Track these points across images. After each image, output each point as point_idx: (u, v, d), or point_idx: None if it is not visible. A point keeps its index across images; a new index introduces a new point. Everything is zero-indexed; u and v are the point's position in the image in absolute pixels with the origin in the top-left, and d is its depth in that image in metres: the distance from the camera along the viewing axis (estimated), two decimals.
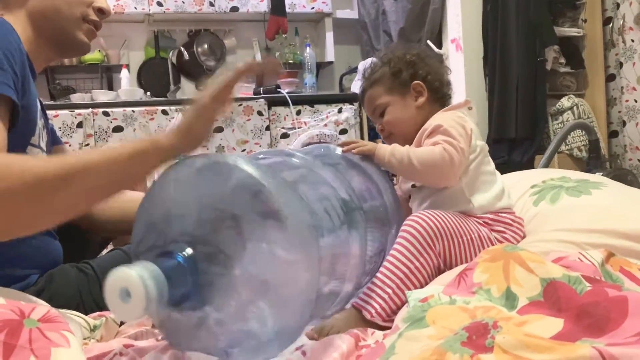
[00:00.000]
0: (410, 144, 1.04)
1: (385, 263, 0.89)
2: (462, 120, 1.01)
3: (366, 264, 0.85)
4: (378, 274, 0.89)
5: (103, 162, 0.70)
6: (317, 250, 0.63)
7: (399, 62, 1.10)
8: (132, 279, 0.53)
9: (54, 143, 1.11)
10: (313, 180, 0.84)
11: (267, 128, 3.11)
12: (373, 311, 0.85)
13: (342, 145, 1.04)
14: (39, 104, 0.98)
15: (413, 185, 1.07)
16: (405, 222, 0.92)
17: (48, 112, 1.17)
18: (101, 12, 1.01)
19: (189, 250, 0.60)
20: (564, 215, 0.99)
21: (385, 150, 1.00)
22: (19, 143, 0.87)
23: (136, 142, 0.75)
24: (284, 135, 3.14)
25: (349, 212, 0.80)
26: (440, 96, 1.10)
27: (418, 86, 1.08)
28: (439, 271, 0.91)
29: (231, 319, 0.61)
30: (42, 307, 0.66)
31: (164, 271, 0.56)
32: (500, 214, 1.00)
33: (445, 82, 1.12)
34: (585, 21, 3.09)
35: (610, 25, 3.04)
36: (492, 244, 0.95)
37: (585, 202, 1.01)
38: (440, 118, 1.02)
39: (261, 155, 0.88)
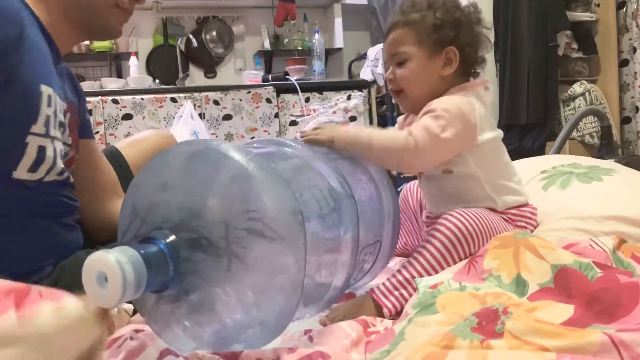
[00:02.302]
0: (417, 110, 0.95)
1: (414, 261, 0.85)
2: (468, 110, 0.90)
3: (360, 253, 0.84)
4: (404, 271, 0.85)
5: None
6: (303, 236, 0.62)
7: (446, 15, 0.94)
8: (109, 263, 0.52)
9: (82, 136, 1.04)
10: (302, 168, 0.82)
11: (276, 115, 3.10)
12: (393, 309, 0.83)
13: (302, 136, 0.93)
14: (60, 89, 0.91)
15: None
16: (441, 221, 0.86)
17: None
18: (136, 0, 0.96)
19: (171, 237, 0.59)
20: (574, 201, 0.98)
21: (345, 139, 0.89)
22: (12, 129, 0.80)
23: None
24: (293, 123, 3.14)
25: (339, 200, 0.78)
26: (469, 71, 0.98)
27: (451, 53, 0.94)
28: None
29: (215, 308, 0.61)
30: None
31: (144, 257, 0.54)
32: (521, 209, 0.97)
33: (481, 58, 0.98)
34: (598, 5, 3.05)
35: (624, 9, 2.99)
36: None
37: (596, 188, 1.00)
38: (447, 100, 0.92)
39: (255, 145, 0.86)
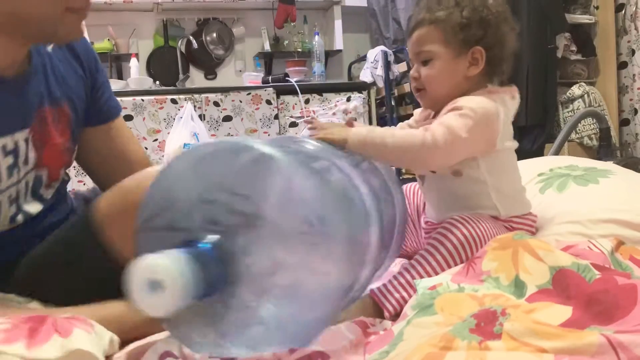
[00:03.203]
0: (438, 107, 0.94)
1: (417, 265, 0.85)
2: (494, 115, 0.88)
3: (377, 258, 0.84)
4: (406, 274, 0.85)
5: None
6: (360, 246, 0.60)
7: (473, 14, 0.91)
8: (167, 269, 0.48)
9: (93, 123, 0.96)
10: (338, 170, 0.79)
11: (276, 117, 3.11)
12: (393, 311, 0.83)
13: (310, 128, 0.89)
14: (17, 115, 0.79)
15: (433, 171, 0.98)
16: (447, 226, 0.86)
17: None
18: None
19: (217, 239, 0.55)
20: (571, 205, 0.99)
21: (358, 139, 0.85)
22: None
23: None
24: (293, 124, 3.14)
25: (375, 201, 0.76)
26: (494, 71, 0.95)
27: (477, 53, 0.91)
28: None
29: (255, 310, 0.58)
30: (66, 314, 0.68)
31: (196, 262, 0.51)
32: (523, 217, 0.96)
33: (508, 58, 0.95)
34: (597, 8, 3.06)
35: (623, 11, 3.00)
36: None
37: (593, 191, 1.00)
38: (475, 100, 0.88)
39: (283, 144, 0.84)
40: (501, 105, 0.91)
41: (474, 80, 0.94)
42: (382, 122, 3.27)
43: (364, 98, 3.23)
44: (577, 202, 0.99)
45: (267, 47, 3.61)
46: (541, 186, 1.08)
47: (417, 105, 1.14)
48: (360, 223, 0.71)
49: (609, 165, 1.12)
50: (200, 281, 0.51)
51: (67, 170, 0.95)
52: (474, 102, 0.87)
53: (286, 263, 0.57)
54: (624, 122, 3.10)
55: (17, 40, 0.76)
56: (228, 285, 0.56)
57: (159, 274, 0.48)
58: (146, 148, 2.84)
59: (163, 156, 2.87)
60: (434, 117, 0.98)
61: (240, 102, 3.04)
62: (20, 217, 0.84)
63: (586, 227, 0.91)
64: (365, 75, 3.31)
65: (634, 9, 2.88)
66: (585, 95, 2.93)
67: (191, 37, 3.41)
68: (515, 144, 0.96)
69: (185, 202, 0.59)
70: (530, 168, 1.16)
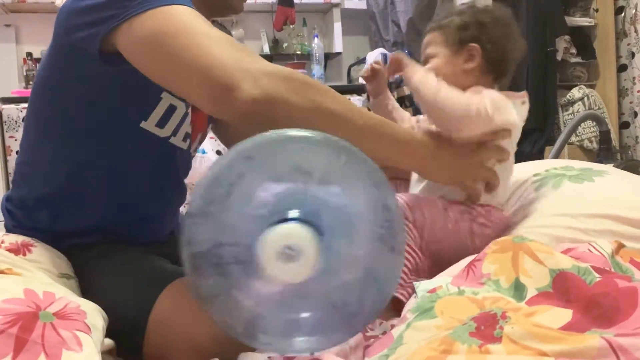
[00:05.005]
0: None
1: None
2: (510, 110, 0.94)
3: None
4: None
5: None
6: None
7: (471, 18, 1.01)
8: (307, 238, 0.50)
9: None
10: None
11: None
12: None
13: (392, 64, 0.97)
14: None
15: None
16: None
17: None
18: None
19: (318, 218, 0.56)
20: (565, 199, 0.98)
21: (419, 77, 0.93)
22: (152, 82, 0.83)
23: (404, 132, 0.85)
24: None
25: None
26: (495, 69, 1.01)
27: (473, 49, 0.99)
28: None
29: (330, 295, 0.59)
30: (60, 301, 0.67)
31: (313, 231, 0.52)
32: (489, 208, 0.97)
33: (509, 58, 1.03)
34: (596, 10, 3.06)
35: (623, 14, 3.00)
36: (472, 235, 0.94)
37: (588, 188, 1.00)
38: (488, 92, 0.94)
39: None
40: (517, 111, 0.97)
41: (475, 75, 0.99)
42: None
43: (363, 100, 3.23)
44: (571, 197, 0.98)
45: (267, 50, 3.61)
46: (536, 185, 1.07)
47: (417, 109, 1.15)
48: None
49: (604, 166, 1.12)
50: (321, 250, 0.52)
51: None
52: (498, 97, 0.94)
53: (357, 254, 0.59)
54: (624, 125, 3.10)
55: (202, 9, 0.89)
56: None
57: (297, 240, 0.50)
58: None
59: None
60: None
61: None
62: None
63: (578, 220, 0.90)
64: None
65: (634, 11, 2.88)
66: (585, 98, 2.94)
67: None
68: (515, 150, 1.00)
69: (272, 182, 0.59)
70: (526, 170, 1.16)
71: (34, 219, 0.95)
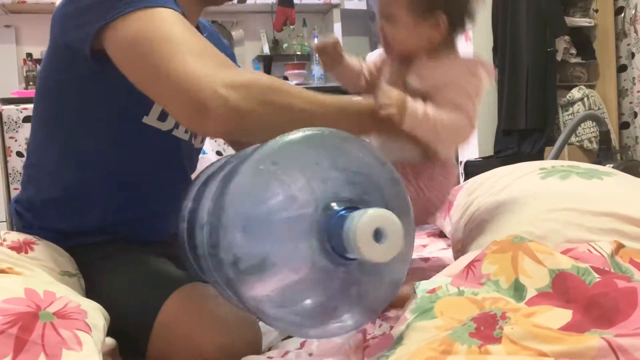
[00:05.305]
0: (407, 62, 0.99)
1: None
2: (484, 77, 0.98)
3: None
4: None
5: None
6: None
7: None
8: (394, 221, 0.55)
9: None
10: None
11: None
12: None
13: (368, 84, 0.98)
14: None
15: None
16: None
17: None
18: None
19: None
20: (573, 192, 0.97)
21: (414, 118, 0.89)
22: (127, 118, 0.89)
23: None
24: None
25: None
26: (459, 29, 0.99)
27: (440, 17, 0.95)
28: None
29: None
30: (60, 300, 0.67)
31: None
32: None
33: (472, 15, 0.99)
34: (596, 11, 3.06)
35: (622, 15, 3.00)
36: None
37: (596, 185, 0.99)
38: (472, 87, 0.97)
39: None
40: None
41: (437, 41, 0.98)
42: None
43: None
44: (579, 191, 0.96)
45: (267, 50, 3.61)
46: (542, 175, 1.07)
47: None
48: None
49: (609, 169, 1.12)
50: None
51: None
52: (472, 87, 0.96)
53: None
54: (624, 125, 3.10)
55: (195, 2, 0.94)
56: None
57: (385, 223, 0.54)
58: None
59: None
60: (400, 65, 1.02)
61: None
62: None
63: (585, 217, 0.88)
64: None
65: (634, 12, 2.88)
66: (585, 99, 2.93)
67: None
68: None
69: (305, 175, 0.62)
70: (531, 165, 1.17)
71: (42, 220, 0.95)
